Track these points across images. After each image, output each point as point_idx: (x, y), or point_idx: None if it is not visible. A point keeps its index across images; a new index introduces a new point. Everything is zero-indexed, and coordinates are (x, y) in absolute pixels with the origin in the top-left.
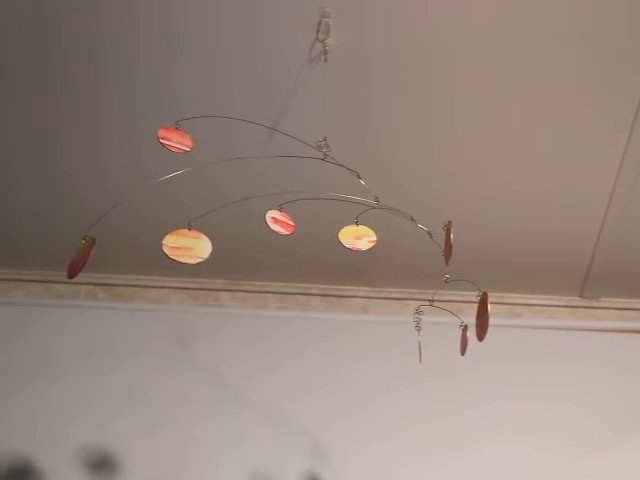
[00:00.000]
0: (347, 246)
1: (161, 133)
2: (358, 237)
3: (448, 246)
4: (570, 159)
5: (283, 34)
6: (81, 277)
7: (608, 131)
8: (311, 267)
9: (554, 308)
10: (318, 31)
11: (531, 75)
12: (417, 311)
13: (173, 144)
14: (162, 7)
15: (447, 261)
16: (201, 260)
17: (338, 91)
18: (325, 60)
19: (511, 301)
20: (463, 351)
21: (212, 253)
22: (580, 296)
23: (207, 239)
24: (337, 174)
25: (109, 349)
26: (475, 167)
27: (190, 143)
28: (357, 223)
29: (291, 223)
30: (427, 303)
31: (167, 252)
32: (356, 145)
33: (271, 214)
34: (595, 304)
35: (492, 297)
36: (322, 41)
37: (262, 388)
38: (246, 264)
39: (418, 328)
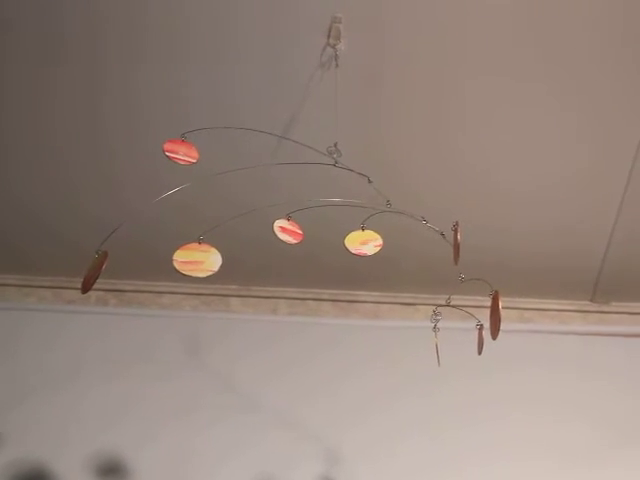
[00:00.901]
0: (353, 252)
1: (167, 146)
2: (364, 242)
3: (456, 246)
4: (582, 162)
5: (294, 39)
6: None
7: (620, 134)
8: (322, 272)
9: (565, 313)
10: (329, 36)
11: (544, 79)
12: (435, 312)
13: (180, 157)
14: (172, 10)
15: (456, 261)
16: (211, 273)
17: (349, 96)
18: (336, 65)
19: (522, 306)
20: (480, 351)
21: (223, 260)
22: (591, 300)
23: (217, 252)
24: (348, 179)
25: (120, 355)
26: (485, 170)
27: (196, 155)
28: (363, 228)
29: (299, 232)
30: (443, 305)
31: (178, 267)
32: (366, 150)
33: (279, 223)
34: (606, 308)
35: (502, 302)
36: (333, 46)
37: (273, 394)
38: (257, 270)
39: (436, 330)
